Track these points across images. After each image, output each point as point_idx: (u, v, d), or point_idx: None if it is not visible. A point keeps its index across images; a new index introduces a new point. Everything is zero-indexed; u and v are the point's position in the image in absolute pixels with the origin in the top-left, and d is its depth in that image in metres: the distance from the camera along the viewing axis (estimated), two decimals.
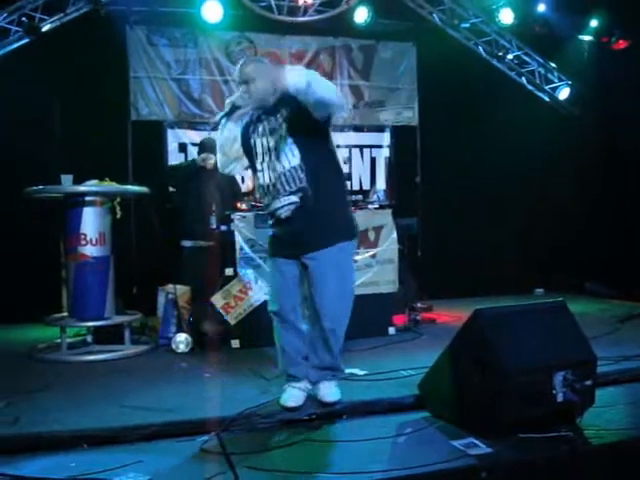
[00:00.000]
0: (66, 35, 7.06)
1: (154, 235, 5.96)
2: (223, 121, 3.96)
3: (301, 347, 4.08)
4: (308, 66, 8.23)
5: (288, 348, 4.07)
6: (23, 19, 6.88)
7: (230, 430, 3.67)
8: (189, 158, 7.72)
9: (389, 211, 6.24)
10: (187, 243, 6.32)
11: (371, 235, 6.06)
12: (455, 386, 3.69)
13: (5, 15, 6.84)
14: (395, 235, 6.16)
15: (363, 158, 8.64)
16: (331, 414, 3.91)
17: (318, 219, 3.87)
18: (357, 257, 5.94)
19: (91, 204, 5.49)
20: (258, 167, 3.93)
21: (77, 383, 4.69)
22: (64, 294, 7.20)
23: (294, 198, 3.83)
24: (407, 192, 8.49)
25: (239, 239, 5.61)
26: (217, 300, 5.54)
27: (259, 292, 5.57)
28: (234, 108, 3.87)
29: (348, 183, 8.44)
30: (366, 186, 8.59)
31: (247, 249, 5.63)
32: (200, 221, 6.09)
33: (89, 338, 5.86)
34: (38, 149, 6.75)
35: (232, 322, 5.55)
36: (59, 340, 5.61)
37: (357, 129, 8.60)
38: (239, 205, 5.83)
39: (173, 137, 7.85)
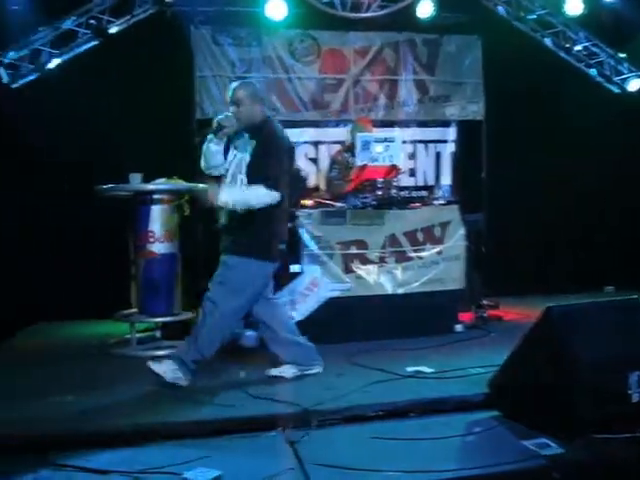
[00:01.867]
0: (132, 36, 7.16)
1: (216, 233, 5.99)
2: (210, 137, 4.47)
3: None
4: (372, 62, 8.22)
5: None
6: (91, 21, 7.01)
7: (297, 426, 3.69)
8: None
9: (456, 207, 6.17)
10: None
11: (437, 231, 5.99)
12: (526, 385, 3.62)
13: (74, 18, 6.98)
14: (462, 231, 6.08)
15: (428, 153, 8.53)
16: (398, 411, 3.89)
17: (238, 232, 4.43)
18: (423, 254, 5.89)
19: (159, 202, 5.58)
20: (224, 172, 4.58)
21: (145, 378, 4.73)
22: (133, 290, 7.35)
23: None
24: (472, 187, 8.35)
25: (305, 236, 5.62)
26: (283, 296, 5.54)
27: (325, 288, 5.58)
28: (220, 127, 4.39)
29: (412, 179, 8.39)
30: (431, 182, 8.47)
31: (313, 246, 5.63)
32: None
33: (157, 333, 5.94)
34: (107, 149, 6.88)
35: (299, 318, 5.54)
36: (128, 335, 5.71)
37: (422, 124, 8.49)
38: (305, 202, 5.83)
39: None
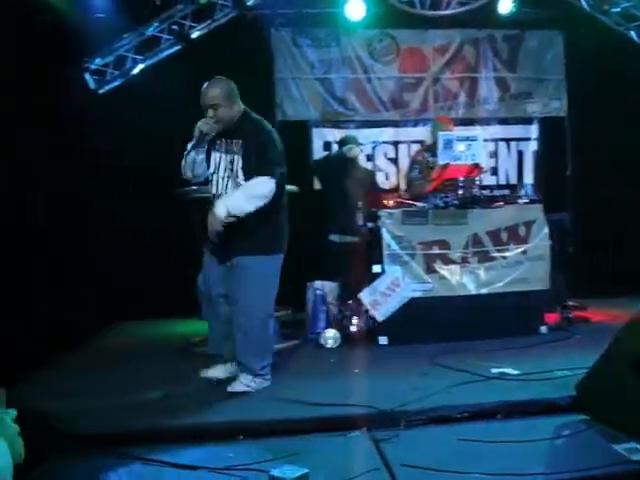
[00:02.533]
0: (213, 40, 7.28)
1: (303, 232, 6.04)
2: (189, 147, 4.35)
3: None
4: (452, 60, 8.14)
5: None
6: (173, 27, 7.16)
7: (382, 426, 3.69)
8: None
9: (540, 206, 6.04)
10: (335, 238, 6.39)
11: (521, 231, 5.88)
12: (616, 388, 3.51)
13: (157, 24, 7.14)
14: (546, 230, 5.95)
15: (510, 152, 8.40)
16: (484, 413, 3.84)
17: (240, 236, 4.27)
18: (507, 253, 5.80)
19: None
20: (209, 177, 4.46)
21: None
22: None
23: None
24: (555, 186, 8.17)
25: (386, 236, 5.61)
26: (364, 296, 5.56)
27: (407, 288, 5.55)
28: (202, 135, 4.29)
29: (494, 178, 8.26)
30: (513, 180, 8.35)
31: (394, 246, 5.61)
32: (347, 216, 6.14)
33: None
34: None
35: (380, 319, 5.55)
36: None
37: (503, 122, 8.37)
38: (386, 201, 5.83)
39: (318, 136, 7.95)
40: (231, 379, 4.43)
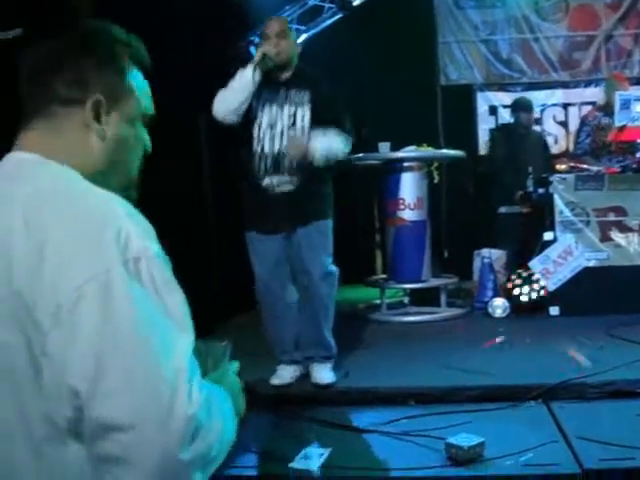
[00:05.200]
0: (375, 7, 7.23)
1: (469, 199, 5.97)
2: (252, 68, 3.68)
3: (292, 328, 3.95)
4: (625, 15, 7.64)
5: (277, 331, 3.96)
6: None
7: (557, 398, 3.59)
8: (499, 120, 7.61)
9: None
10: (502, 209, 6.22)
11: None
12: None
13: None
14: None
15: None
16: None
17: (317, 194, 3.81)
18: None
19: (409, 169, 5.62)
20: (255, 133, 3.76)
21: (399, 342, 4.87)
22: (378, 258, 7.54)
23: (295, 179, 3.74)
24: None
25: (559, 202, 5.39)
26: (535, 265, 5.40)
27: (580, 257, 5.33)
28: (266, 59, 3.68)
29: None
30: None
31: (567, 212, 5.39)
32: (516, 185, 5.96)
33: (406, 300, 6.04)
34: (355, 118, 7.04)
35: (551, 288, 5.37)
36: (378, 301, 5.86)
37: None
38: (558, 166, 5.61)
39: (483, 100, 7.75)
40: (304, 375, 4.00)
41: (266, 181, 3.75)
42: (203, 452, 1.02)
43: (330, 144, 3.71)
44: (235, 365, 1.32)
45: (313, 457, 2.92)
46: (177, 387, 0.99)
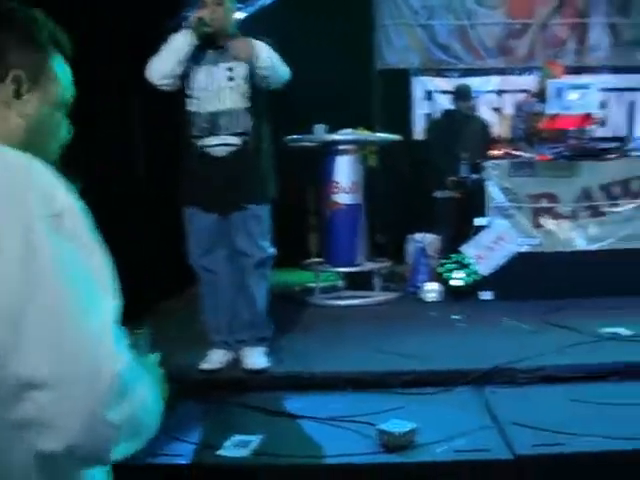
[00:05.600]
0: None
1: (404, 183, 5.95)
2: (187, 31, 3.58)
3: (227, 308, 3.86)
4: (561, 4, 7.72)
5: (212, 309, 3.88)
6: None
7: (490, 382, 3.59)
8: (435, 106, 7.60)
9: None
10: (437, 194, 6.22)
11: (635, 185, 5.57)
12: None
13: None
14: None
15: (620, 102, 7.95)
16: (598, 374, 3.67)
17: (256, 171, 3.70)
18: (619, 209, 5.53)
19: (345, 153, 5.56)
20: (194, 94, 3.65)
21: (333, 326, 4.82)
22: (312, 240, 7.47)
23: (234, 140, 3.63)
24: None
25: (492, 188, 5.41)
26: (468, 250, 5.42)
27: (513, 243, 5.37)
28: (202, 24, 3.56)
29: (604, 130, 7.87)
30: (622, 133, 7.91)
31: (501, 198, 5.41)
32: (451, 171, 5.97)
33: (340, 283, 6.00)
34: (288, 101, 6.93)
35: (484, 273, 5.40)
36: (312, 284, 5.80)
37: (614, 71, 7.91)
38: (493, 152, 5.63)
39: (419, 85, 7.73)
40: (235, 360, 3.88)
41: (202, 142, 3.64)
42: (130, 416, 0.96)
43: (275, 55, 3.64)
44: (155, 356, 1.24)
45: (243, 444, 2.84)
46: (103, 341, 0.94)
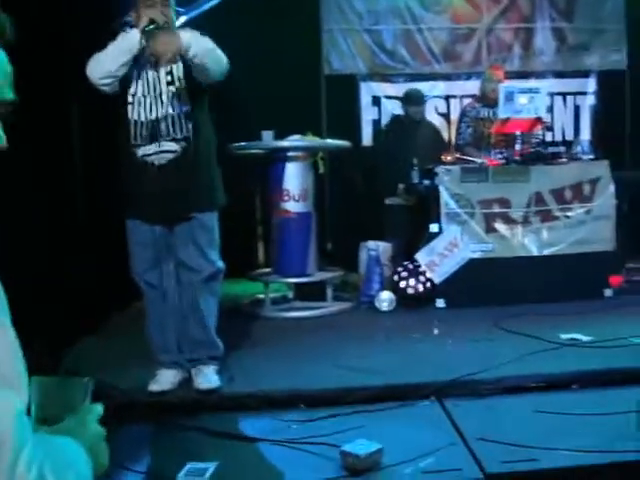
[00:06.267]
0: None
1: (354, 191, 5.83)
2: (139, 31, 3.35)
3: (174, 327, 3.67)
4: (506, 9, 7.74)
5: (158, 328, 3.67)
6: None
7: (451, 395, 3.47)
8: (383, 111, 7.51)
9: (606, 162, 5.69)
10: (388, 201, 6.11)
11: (586, 189, 5.57)
12: None
13: None
14: (612, 189, 5.62)
15: (566, 106, 8.00)
16: (560, 383, 3.60)
17: (200, 177, 3.50)
18: (571, 213, 5.51)
19: (294, 159, 5.41)
20: (130, 99, 3.45)
21: (285, 340, 4.65)
22: (260, 250, 7.30)
23: (175, 146, 3.44)
24: (614, 143, 7.79)
25: (444, 194, 5.33)
26: (421, 257, 5.32)
27: (466, 249, 5.29)
28: (154, 27, 3.31)
29: (549, 133, 7.90)
30: (569, 137, 7.97)
31: (453, 204, 5.33)
32: (401, 177, 5.87)
33: (290, 294, 5.84)
34: (234, 107, 6.77)
35: (437, 280, 5.31)
36: (262, 296, 5.63)
37: (559, 75, 7.95)
38: (444, 157, 5.55)
39: (366, 90, 7.62)
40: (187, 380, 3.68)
41: (142, 151, 3.43)
42: None
43: (206, 42, 3.36)
44: (98, 409, 1.05)
45: (199, 473, 2.65)
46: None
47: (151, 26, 3.33)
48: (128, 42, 3.36)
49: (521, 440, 2.88)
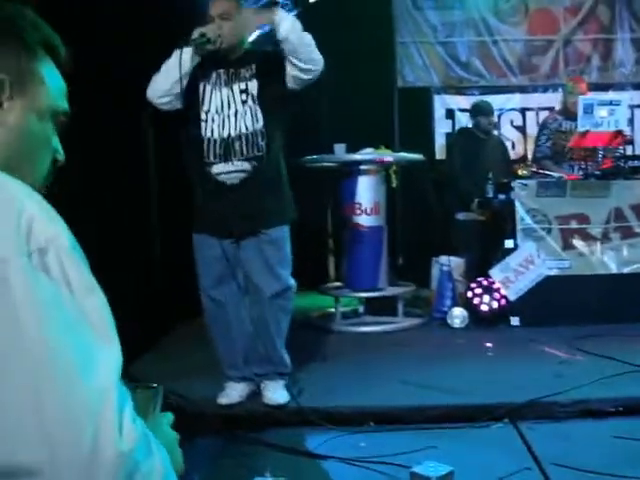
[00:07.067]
0: (331, 4, 6.99)
1: (427, 204, 5.75)
2: (189, 49, 3.30)
3: (241, 342, 3.62)
4: (584, 20, 7.55)
5: (224, 344, 3.62)
6: None
7: (526, 418, 3.37)
8: (456, 124, 7.42)
9: None
10: (460, 216, 6.01)
11: None
12: None
13: None
14: None
15: None
16: (638, 408, 3.45)
17: (272, 192, 3.47)
18: None
19: (366, 173, 5.37)
20: (203, 116, 3.42)
21: (354, 355, 4.60)
22: (331, 264, 7.28)
23: (247, 165, 3.40)
24: None
25: (520, 209, 5.20)
26: (495, 274, 5.20)
27: (542, 266, 5.15)
28: (204, 40, 3.28)
29: (629, 147, 7.65)
30: None
31: (528, 219, 5.20)
32: (474, 191, 5.77)
33: (361, 309, 5.78)
34: (308, 118, 6.78)
35: (512, 297, 5.18)
36: (332, 309, 5.60)
37: (639, 87, 7.72)
38: (519, 172, 5.42)
39: (440, 103, 7.55)
40: (256, 393, 3.67)
41: (215, 169, 3.42)
42: None
43: (304, 33, 3.35)
44: (169, 416, 1.04)
45: None
46: (103, 415, 0.74)
47: (202, 39, 3.31)
48: (176, 58, 3.31)
49: (598, 467, 2.79)
